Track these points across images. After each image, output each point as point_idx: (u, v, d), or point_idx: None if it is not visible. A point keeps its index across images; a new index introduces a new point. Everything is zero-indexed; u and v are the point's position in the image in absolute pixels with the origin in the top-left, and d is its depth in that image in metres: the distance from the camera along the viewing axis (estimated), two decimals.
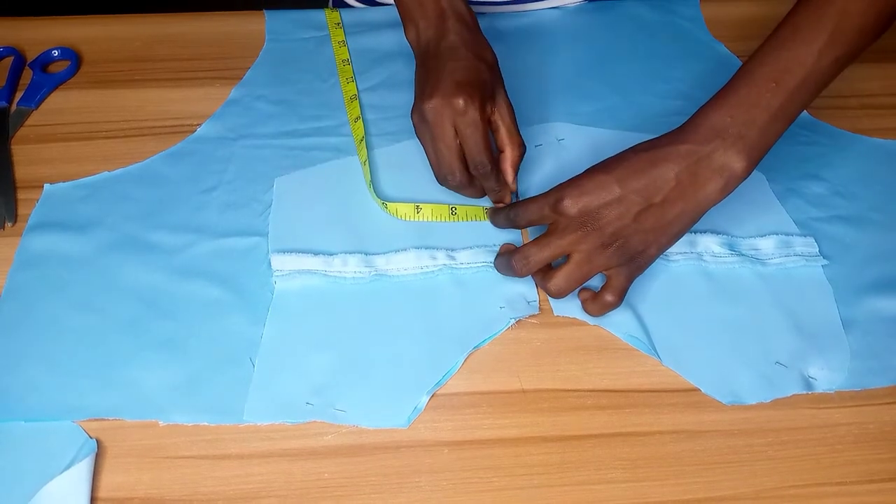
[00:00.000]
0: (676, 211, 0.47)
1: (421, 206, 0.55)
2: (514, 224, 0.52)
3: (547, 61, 0.68)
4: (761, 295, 0.52)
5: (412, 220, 0.55)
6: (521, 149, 0.54)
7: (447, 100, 0.51)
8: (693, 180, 0.46)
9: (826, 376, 0.48)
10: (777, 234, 0.55)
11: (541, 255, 0.48)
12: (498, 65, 0.56)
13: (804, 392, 0.47)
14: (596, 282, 0.51)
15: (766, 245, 0.54)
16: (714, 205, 0.47)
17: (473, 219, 0.56)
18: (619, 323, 0.50)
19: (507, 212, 0.52)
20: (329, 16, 0.71)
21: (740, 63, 0.68)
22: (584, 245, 0.47)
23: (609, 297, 0.48)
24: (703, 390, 0.47)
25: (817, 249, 0.54)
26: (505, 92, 0.54)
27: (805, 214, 0.57)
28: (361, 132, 0.60)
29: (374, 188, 0.57)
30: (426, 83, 0.53)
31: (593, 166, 0.49)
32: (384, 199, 0.56)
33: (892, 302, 0.52)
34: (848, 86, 0.67)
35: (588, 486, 0.43)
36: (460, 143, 0.52)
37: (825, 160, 0.61)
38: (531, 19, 0.72)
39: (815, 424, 0.46)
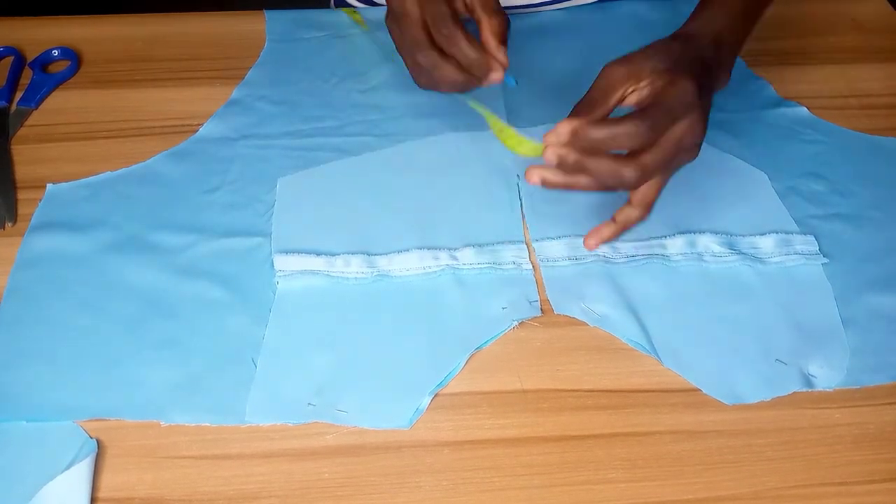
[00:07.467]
0: (709, 98, 0.48)
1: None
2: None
3: (549, 61, 0.68)
4: (761, 293, 0.52)
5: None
6: (499, 17, 0.51)
7: None
8: (709, 71, 0.48)
9: (825, 374, 0.48)
10: (777, 232, 0.55)
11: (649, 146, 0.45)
12: None
13: (804, 389, 0.47)
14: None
15: (766, 244, 0.54)
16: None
17: None
18: (618, 325, 0.50)
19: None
20: (346, 11, 0.73)
21: (741, 62, 0.68)
22: (676, 126, 0.45)
23: (636, 212, 0.48)
24: (703, 391, 0.47)
25: (817, 248, 0.54)
26: None
27: (805, 212, 0.57)
28: None
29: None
30: None
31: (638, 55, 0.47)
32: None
33: (890, 299, 0.52)
34: (848, 86, 0.68)
35: (588, 486, 0.44)
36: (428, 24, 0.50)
37: (825, 158, 0.61)
38: (533, 20, 0.72)
39: (816, 424, 0.46)
